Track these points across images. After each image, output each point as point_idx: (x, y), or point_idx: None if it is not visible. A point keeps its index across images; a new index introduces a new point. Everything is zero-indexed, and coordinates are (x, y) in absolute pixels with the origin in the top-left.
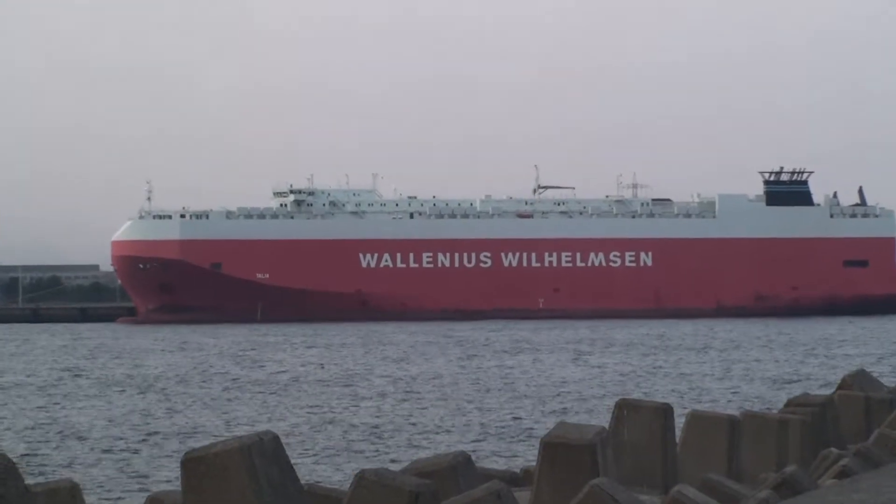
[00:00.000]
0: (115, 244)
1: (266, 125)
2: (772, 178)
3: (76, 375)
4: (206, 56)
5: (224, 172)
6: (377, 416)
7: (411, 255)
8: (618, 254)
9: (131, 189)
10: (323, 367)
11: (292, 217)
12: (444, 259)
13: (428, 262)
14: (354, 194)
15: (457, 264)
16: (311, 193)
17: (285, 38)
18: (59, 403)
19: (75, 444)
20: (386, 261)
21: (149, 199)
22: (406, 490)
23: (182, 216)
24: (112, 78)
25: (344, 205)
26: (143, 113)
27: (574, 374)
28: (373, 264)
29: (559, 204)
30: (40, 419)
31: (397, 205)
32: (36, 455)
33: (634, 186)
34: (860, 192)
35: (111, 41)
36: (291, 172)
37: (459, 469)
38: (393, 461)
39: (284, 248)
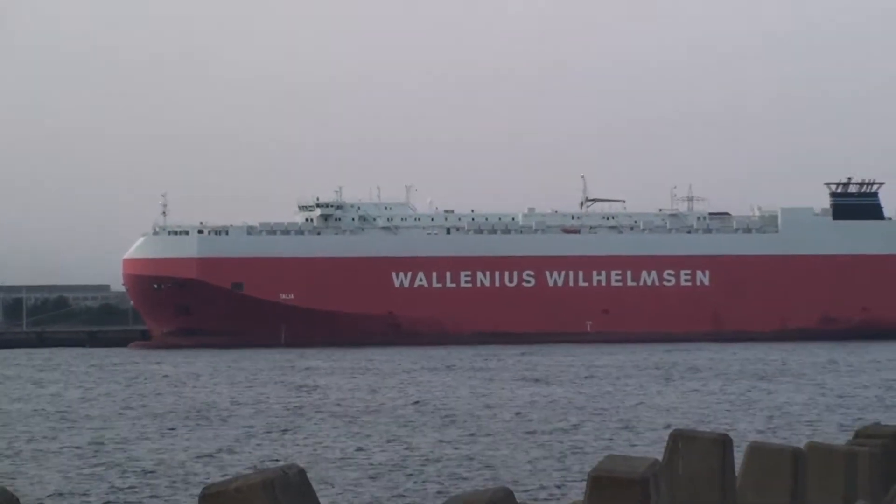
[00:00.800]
0: (127, 262)
1: (290, 133)
2: (839, 190)
3: (89, 400)
4: (224, 58)
5: (245, 185)
6: (414, 448)
7: (448, 274)
8: (672, 272)
9: (144, 202)
10: (369, 394)
11: (319, 233)
12: (483, 278)
13: (466, 282)
14: (386, 208)
15: (497, 284)
16: (339, 207)
17: (314, 39)
18: (77, 434)
19: (91, 476)
20: (420, 280)
21: (164, 213)
22: None
23: (200, 232)
24: (122, 82)
25: (375, 219)
26: (157, 121)
27: (626, 401)
28: (406, 284)
29: (608, 218)
30: (55, 449)
31: (433, 219)
32: (52, 488)
33: (690, 199)
34: None
35: (121, 42)
36: (318, 184)
37: None
38: (435, 495)
39: (310, 267)
